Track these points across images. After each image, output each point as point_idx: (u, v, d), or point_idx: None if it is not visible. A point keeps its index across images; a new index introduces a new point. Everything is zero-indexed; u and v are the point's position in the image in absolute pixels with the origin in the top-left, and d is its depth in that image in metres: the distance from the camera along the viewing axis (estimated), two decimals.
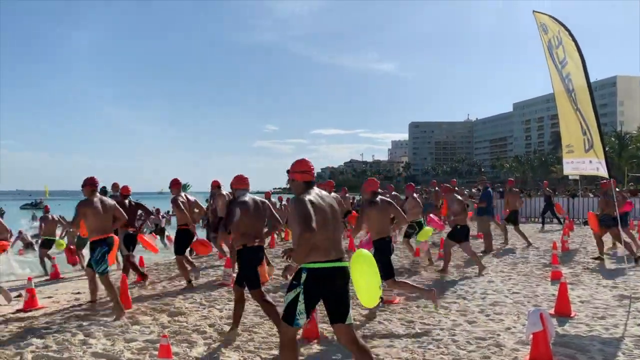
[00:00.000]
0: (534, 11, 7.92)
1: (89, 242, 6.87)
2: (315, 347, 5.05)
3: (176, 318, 6.35)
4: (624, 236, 9.51)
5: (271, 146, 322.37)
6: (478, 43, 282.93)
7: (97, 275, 6.79)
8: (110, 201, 6.93)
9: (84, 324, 6.15)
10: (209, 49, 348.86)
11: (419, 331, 5.56)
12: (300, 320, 3.68)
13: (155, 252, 11.05)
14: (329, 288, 3.66)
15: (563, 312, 6.10)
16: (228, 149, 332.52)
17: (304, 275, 3.66)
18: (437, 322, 5.91)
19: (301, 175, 3.87)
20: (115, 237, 7.09)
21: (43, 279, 10.77)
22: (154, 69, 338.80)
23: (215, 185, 10.42)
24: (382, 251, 6.31)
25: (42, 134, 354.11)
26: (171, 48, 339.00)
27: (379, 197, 6.54)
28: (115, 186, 10.03)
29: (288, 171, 3.93)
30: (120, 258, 10.86)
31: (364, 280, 3.94)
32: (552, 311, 6.04)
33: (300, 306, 3.64)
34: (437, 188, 16.27)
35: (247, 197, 5.54)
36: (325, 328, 5.55)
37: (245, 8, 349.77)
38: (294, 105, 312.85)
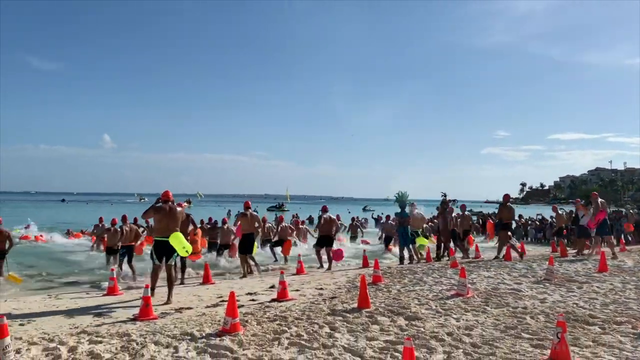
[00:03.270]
0: None
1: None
2: None
3: (413, 322, 6.39)
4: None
5: (502, 153, 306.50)
6: None
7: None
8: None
9: (329, 318, 6.61)
10: (440, 55, 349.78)
11: None
12: (157, 260, 8.35)
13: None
14: (162, 248, 8.35)
15: None
16: (454, 157, 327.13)
17: (153, 242, 8.56)
18: None
19: (163, 197, 8.53)
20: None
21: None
22: (386, 79, 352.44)
23: None
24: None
25: (289, 147, 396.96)
26: (405, 56, 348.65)
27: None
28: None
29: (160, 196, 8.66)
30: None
31: (175, 244, 8.31)
32: None
33: (154, 255, 8.38)
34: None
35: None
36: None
37: (477, 11, 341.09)
38: (529, 108, 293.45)
